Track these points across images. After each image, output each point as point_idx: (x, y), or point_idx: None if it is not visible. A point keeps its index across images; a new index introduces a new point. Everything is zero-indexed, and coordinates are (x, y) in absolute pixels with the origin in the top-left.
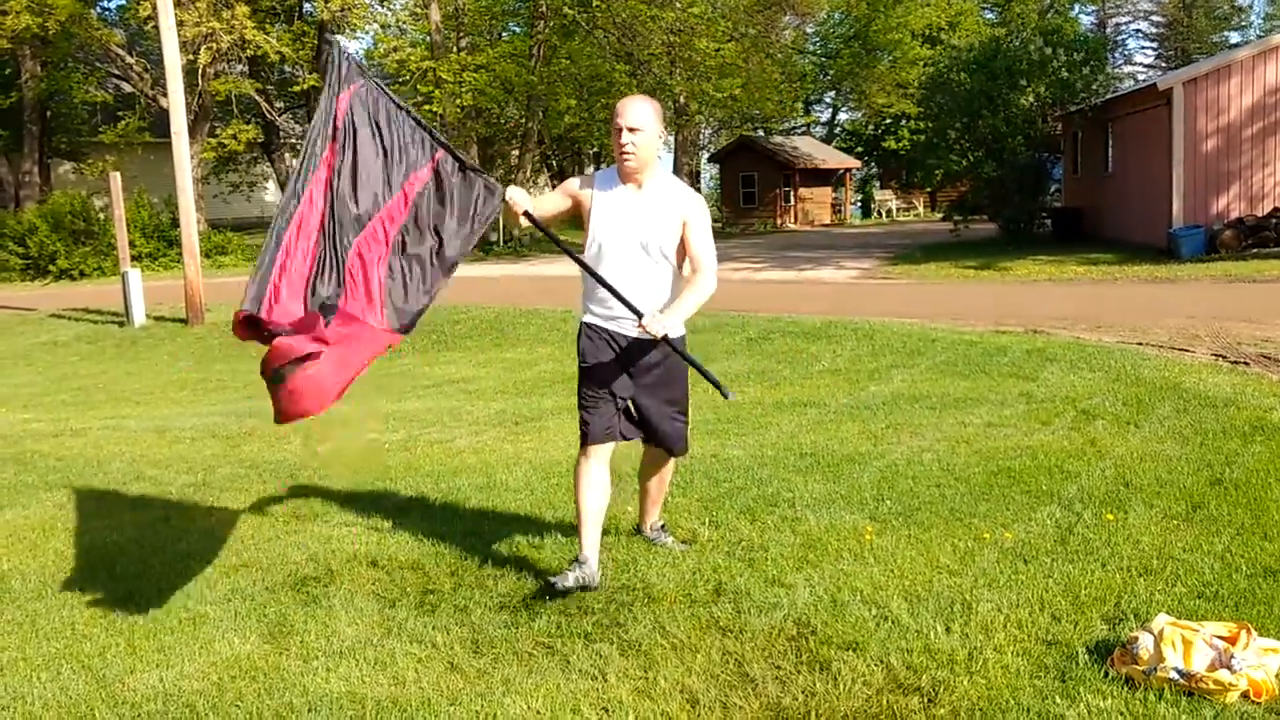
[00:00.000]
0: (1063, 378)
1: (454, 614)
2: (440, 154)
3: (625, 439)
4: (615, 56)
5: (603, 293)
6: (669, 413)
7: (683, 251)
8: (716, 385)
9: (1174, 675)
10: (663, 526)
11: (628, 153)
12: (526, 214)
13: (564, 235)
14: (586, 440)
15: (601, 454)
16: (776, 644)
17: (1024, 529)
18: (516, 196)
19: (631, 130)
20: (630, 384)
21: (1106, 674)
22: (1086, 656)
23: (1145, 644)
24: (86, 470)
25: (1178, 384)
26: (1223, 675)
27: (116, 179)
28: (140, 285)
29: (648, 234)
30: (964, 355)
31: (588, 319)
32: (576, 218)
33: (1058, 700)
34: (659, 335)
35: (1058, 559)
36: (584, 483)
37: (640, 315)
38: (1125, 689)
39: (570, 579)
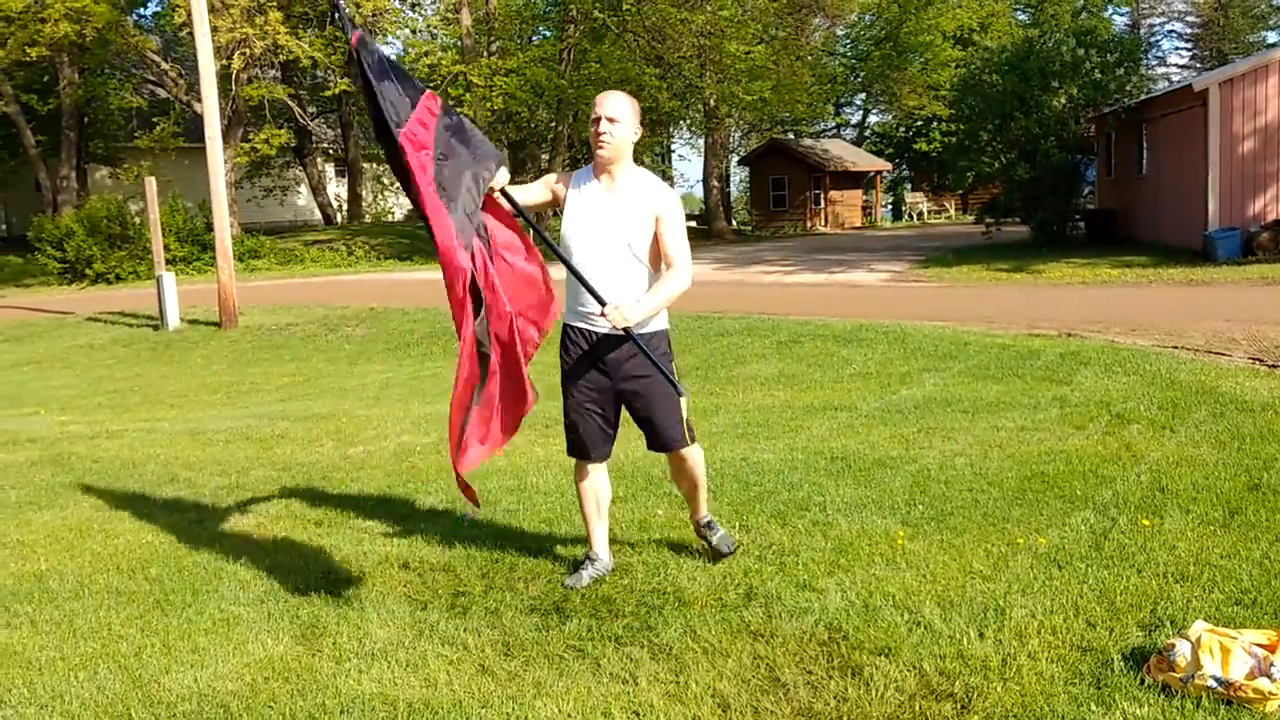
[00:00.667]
0: (1097, 381)
1: (485, 616)
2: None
3: (606, 454)
4: (645, 60)
5: (579, 290)
6: (655, 407)
7: (657, 250)
8: (671, 382)
9: (1212, 683)
10: (709, 523)
11: (603, 142)
12: (503, 191)
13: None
14: (573, 454)
15: (595, 465)
16: (808, 649)
17: (1058, 534)
18: (499, 174)
19: (610, 120)
20: (611, 384)
21: (1142, 681)
22: (1122, 663)
23: (1182, 651)
24: (122, 472)
25: (1214, 388)
26: (1262, 684)
27: (152, 184)
28: (174, 289)
29: (616, 230)
30: (996, 359)
31: (567, 319)
32: (558, 213)
33: (1093, 707)
34: (619, 325)
35: (1092, 565)
36: (583, 490)
37: (603, 304)
38: (1161, 697)
39: (585, 577)
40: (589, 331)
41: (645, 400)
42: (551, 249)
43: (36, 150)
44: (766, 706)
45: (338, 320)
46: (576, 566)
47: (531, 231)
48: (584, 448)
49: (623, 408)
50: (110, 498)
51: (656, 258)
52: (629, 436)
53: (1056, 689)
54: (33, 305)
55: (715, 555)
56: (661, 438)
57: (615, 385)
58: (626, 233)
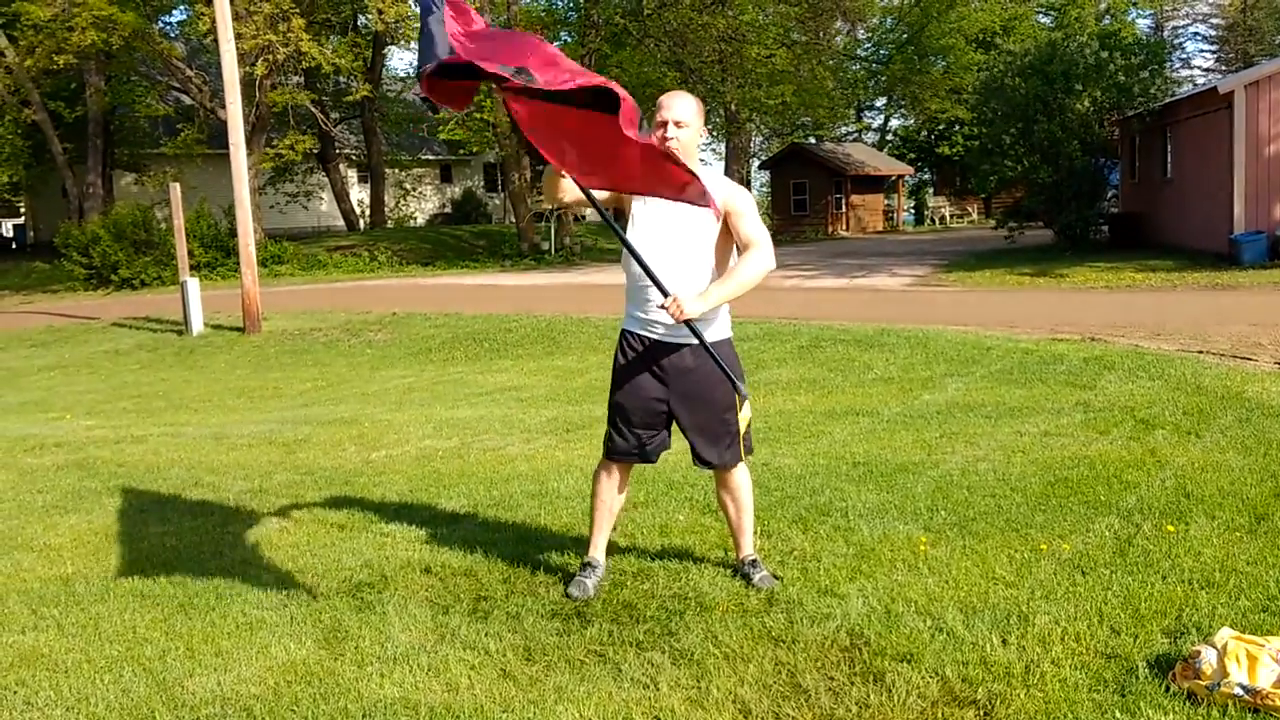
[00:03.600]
0: (1121, 386)
1: (506, 621)
2: None
3: (649, 460)
4: (666, 64)
5: (640, 295)
6: (707, 421)
7: (726, 251)
8: (733, 382)
9: (1239, 691)
10: (753, 561)
11: (670, 147)
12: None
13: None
14: (609, 455)
15: (621, 468)
16: (830, 655)
17: (1082, 540)
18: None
19: (677, 125)
20: (665, 393)
21: (1168, 689)
22: (1147, 671)
23: (1208, 658)
24: (147, 476)
25: (1240, 393)
26: None
27: (176, 190)
28: (198, 294)
29: (686, 231)
30: (1020, 363)
31: (626, 324)
32: (618, 211)
33: (1117, 715)
34: (682, 317)
35: (1117, 571)
36: (600, 489)
37: (667, 295)
38: (1187, 705)
39: (590, 587)
40: (647, 338)
41: (697, 413)
42: (623, 241)
43: (63, 157)
44: (788, 712)
45: (360, 325)
46: (571, 577)
47: (605, 222)
48: (621, 446)
49: (672, 419)
50: (135, 502)
51: (725, 259)
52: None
53: (1080, 696)
54: (59, 311)
55: (749, 583)
56: (709, 453)
57: (669, 394)
58: (694, 231)
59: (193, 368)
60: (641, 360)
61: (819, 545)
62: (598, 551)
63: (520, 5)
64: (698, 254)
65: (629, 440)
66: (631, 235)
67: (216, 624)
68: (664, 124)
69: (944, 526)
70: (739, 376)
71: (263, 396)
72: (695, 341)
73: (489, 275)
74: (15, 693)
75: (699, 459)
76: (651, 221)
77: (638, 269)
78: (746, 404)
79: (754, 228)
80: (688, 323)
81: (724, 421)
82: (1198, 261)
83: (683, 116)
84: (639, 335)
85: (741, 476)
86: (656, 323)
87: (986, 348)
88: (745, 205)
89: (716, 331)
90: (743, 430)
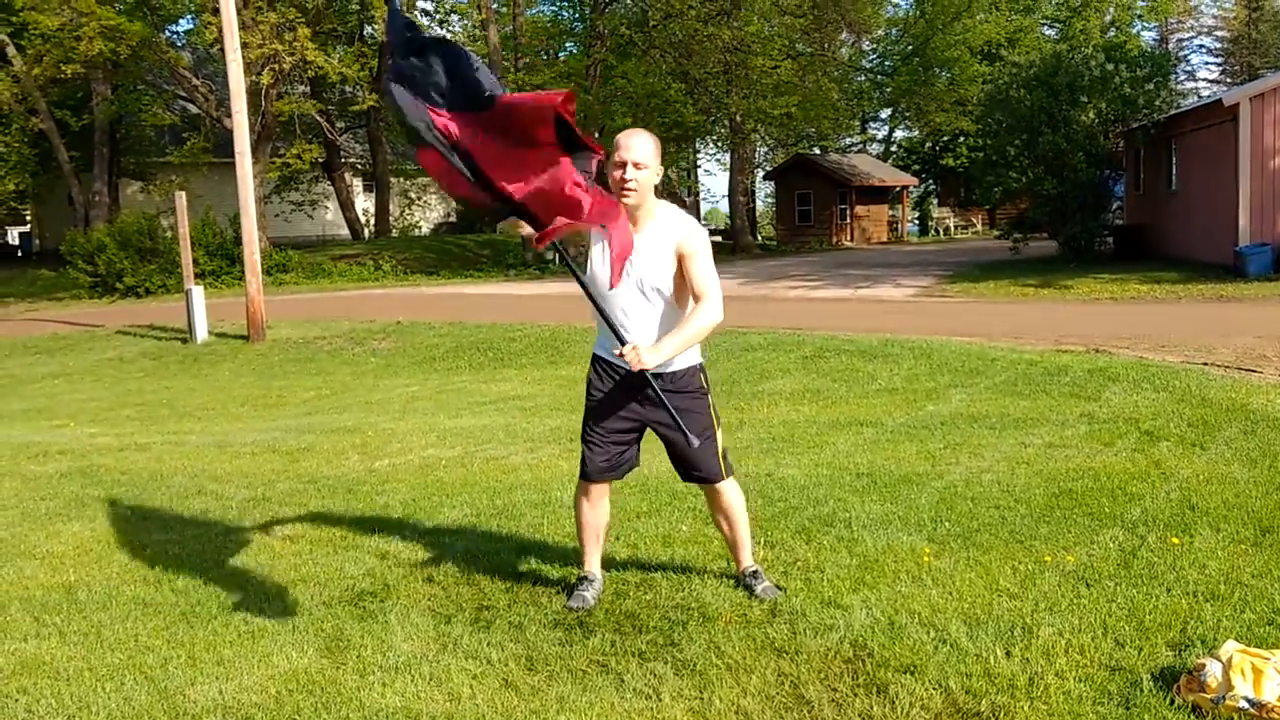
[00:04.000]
0: (1126, 398)
1: (509, 630)
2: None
3: (621, 477)
4: (671, 75)
5: (601, 326)
6: (685, 438)
7: (684, 290)
8: (684, 433)
9: (1244, 704)
10: (754, 573)
11: (629, 189)
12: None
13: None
14: (585, 476)
15: (599, 488)
16: (833, 666)
17: (1086, 552)
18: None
19: (636, 166)
20: (640, 414)
21: (1172, 701)
22: (1151, 683)
23: (1213, 671)
24: (150, 484)
25: (1245, 405)
26: None
27: (181, 198)
28: (203, 302)
29: (642, 272)
30: (1024, 374)
31: (597, 349)
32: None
33: None
34: (636, 368)
35: (1121, 583)
36: (582, 510)
37: (623, 344)
38: (1192, 718)
39: (589, 598)
40: (620, 367)
41: (683, 436)
42: (581, 284)
43: (70, 165)
44: None
45: (364, 334)
46: (572, 589)
47: (562, 263)
48: (595, 465)
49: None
50: (138, 509)
51: (684, 297)
52: (652, 450)
53: (1084, 709)
54: (64, 318)
55: (752, 594)
56: (695, 471)
57: (646, 418)
58: (651, 274)
59: (197, 376)
60: (614, 384)
61: (822, 556)
62: (593, 566)
63: (526, 17)
64: (656, 299)
65: (607, 457)
66: (595, 276)
67: (218, 632)
68: (623, 164)
69: (948, 538)
70: (706, 407)
71: (266, 405)
72: (666, 370)
73: (493, 285)
74: (17, 700)
75: (686, 476)
76: (595, 264)
77: (603, 306)
78: (719, 432)
79: (706, 274)
80: (642, 373)
81: (709, 435)
82: (1203, 273)
83: (641, 157)
84: (609, 363)
85: (732, 492)
86: (613, 352)
87: (991, 359)
88: (698, 246)
89: (686, 358)
90: (720, 449)
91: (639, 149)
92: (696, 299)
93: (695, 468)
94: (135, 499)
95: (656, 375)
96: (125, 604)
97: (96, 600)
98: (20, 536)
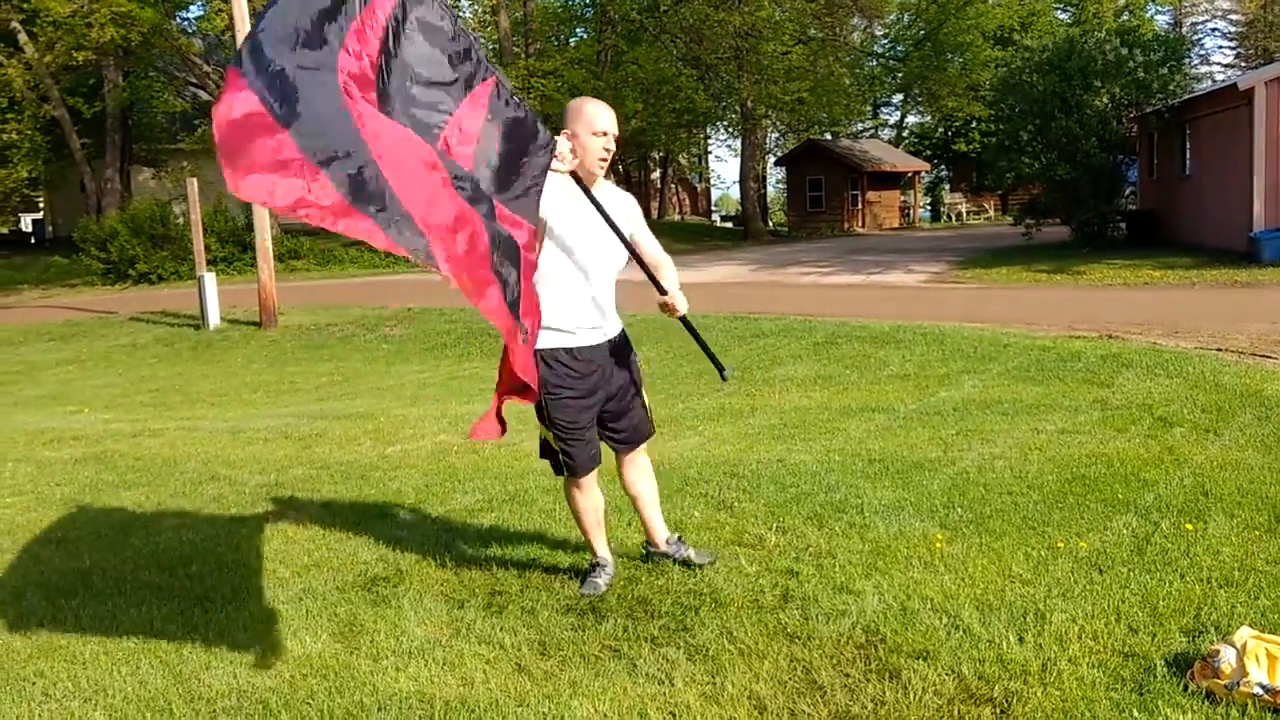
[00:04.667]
0: (1139, 384)
1: (521, 615)
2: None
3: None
4: (682, 61)
5: (570, 305)
6: (629, 402)
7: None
8: (718, 366)
9: (1258, 690)
10: (679, 538)
11: (605, 160)
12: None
13: None
14: (573, 474)
15: (590, 479)
16: (845, 651)
17: (1099, 538)
18: (563, 148)
19: (615, 138)
20: (602, 394)
21: (1186, 688)
22: (1165, 669)
23: (1227, 657)
24: (163, 470)
25: (1259, 391)
26: None
27: (193, 185)
28: (215, 289)
29: (621, 222)
30: (1036, 360)
31: (543, 344)
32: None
33: (1135, 714)
34: (681, 311)
35: (1134, 569)
36: (577, 501)
37: (663, 292)
38: (1206, 704)
39: (602, 584)
40: (578, 348)
41: (628, 399)
42: (628, 248)
43: (82, 153)
44: (803, 709)
45: (376, 320)
46: (585, 575)
47: (605, 222)
48: (582, 459)
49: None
50: (152, 495)
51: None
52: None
53: (1098, 694)
54: (77, 305)
55: (689, 565)
56: (639, 431)
57: (605, 393)
58: (627, 223)
59: (209, 362)
60: (573, 373)
61: (834, 542)
62: (603, 551)
63: (537, 2)
64: (620, 261)
65: (590, 449)
66: (571, 243)
67: (232, 617)
68: (604, 134)
69: (960, 524)
70: (639, 363)
71: (279, 391)
72: (608, 335)
73: None
74: (33, 684)
75: (630, 440)
76: (589, 230)
77: (568, 277)
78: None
79: (653, 239)
80: (682, 318)
81: (640, 393)
82: (1217, 259)
83: (616, 129)
84: (567, 349)
85: (648, 455)
86: (580, 329)
87: (1003, 345)
88: (640, 216)
89: (618, 324)
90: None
91: (615, 122)
92: (656, 262)
93: (637, 428)
94: (149, 485)
95: (605, 344)
96: (140, 589)
97: (111, 585)
98: (35, 521)
